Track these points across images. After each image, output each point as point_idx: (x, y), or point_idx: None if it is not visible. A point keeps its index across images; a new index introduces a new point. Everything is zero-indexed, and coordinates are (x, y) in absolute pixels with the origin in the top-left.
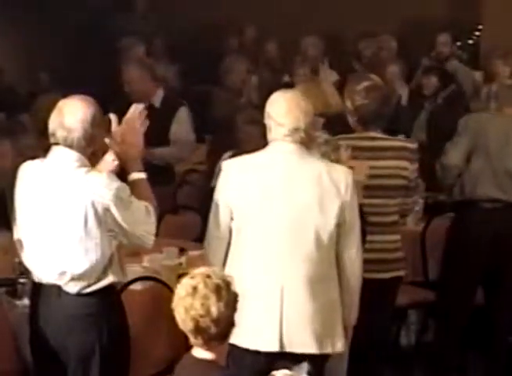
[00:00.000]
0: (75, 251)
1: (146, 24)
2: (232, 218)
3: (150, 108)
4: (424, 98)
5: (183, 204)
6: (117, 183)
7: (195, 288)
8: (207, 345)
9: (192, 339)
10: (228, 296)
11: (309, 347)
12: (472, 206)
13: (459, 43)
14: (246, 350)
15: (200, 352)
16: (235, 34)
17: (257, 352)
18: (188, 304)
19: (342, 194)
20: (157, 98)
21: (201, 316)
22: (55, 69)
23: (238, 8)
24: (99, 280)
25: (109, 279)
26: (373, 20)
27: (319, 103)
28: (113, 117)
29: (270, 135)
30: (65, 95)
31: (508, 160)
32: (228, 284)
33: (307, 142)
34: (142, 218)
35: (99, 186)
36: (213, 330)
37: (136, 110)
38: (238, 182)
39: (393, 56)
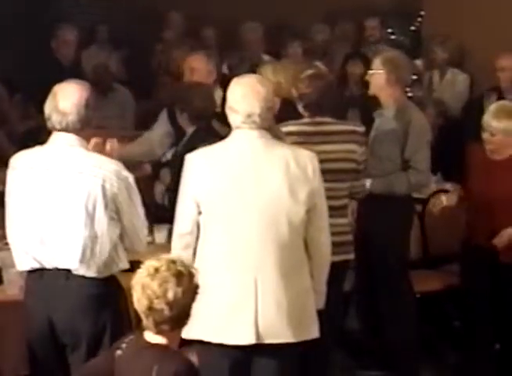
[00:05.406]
0: (84, 236)
1: (90, 11)
2: (200, 213)
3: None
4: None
5: None
6: (126, 173)
7: (156, 269)
8: (157, 328)
9: (144, 320)
10: (188, 284)
11: (286, 337)
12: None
13: (399, 29)
14: (219, 345)
15: (150, 336)
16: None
17: (232, 346)
18: (146, 283)
19: (310, 179)
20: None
21: (157, 297)
22: None
23: None
24: (107, 266)
25: (119, 266)
26: (312, 7)
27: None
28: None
29: (231, 124)
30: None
31: None
32: (191, 274)
33: (267, 128)
34: (143, 218)
35: (110, 173)
36: (166, 313)
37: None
38: (204, 174)
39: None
